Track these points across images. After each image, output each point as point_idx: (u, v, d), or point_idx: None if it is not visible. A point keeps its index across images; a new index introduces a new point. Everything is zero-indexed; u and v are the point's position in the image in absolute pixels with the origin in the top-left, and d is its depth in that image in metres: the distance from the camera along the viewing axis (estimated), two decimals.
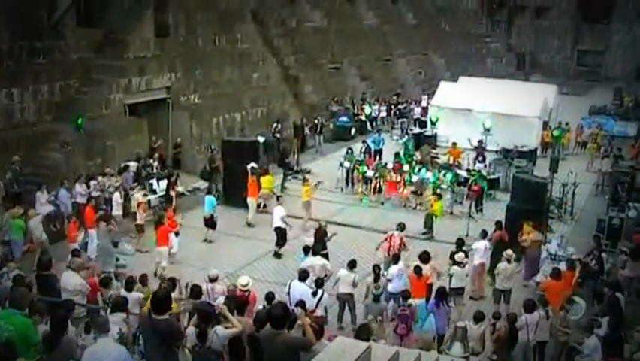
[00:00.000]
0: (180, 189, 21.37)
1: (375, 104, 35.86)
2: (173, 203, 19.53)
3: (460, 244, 15.90)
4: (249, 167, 20.47)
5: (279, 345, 7.40)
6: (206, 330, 8.39)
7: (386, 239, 16.14)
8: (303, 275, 13.30)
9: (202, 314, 8.56)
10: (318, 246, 16.00)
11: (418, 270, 13.85)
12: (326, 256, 15.82)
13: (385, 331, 12.87)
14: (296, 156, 26.82)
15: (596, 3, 58.38)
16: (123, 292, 12.14)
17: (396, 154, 25.27)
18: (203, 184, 23.02)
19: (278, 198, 18.88)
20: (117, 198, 18.51)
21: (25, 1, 20.71)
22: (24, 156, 19.30)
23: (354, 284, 14.04)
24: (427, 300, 13.35)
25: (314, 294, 12.75)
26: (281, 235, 17.83)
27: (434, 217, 19.93)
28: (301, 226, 19.57)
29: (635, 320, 12.68)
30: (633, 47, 56.49)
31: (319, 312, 12.42)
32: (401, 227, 16.38)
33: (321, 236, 16.45)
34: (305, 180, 20.93)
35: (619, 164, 25.73)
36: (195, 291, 11.56)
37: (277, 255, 17.72)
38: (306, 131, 29.71)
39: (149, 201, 19.69)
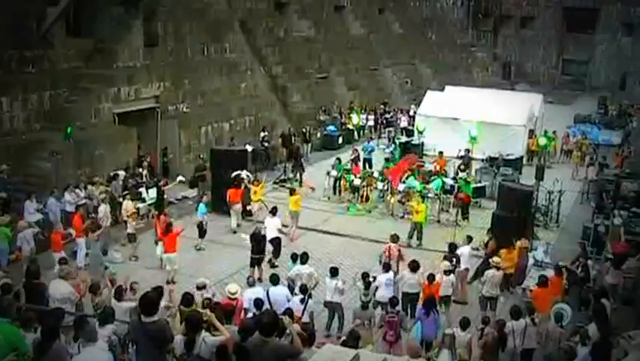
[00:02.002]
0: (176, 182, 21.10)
1: (363, 113, 36.04)
2: (165, 211, 19.52)
3: (453, 248, 16.06)
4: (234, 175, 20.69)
5: (266, 353, 7.44)
6: (194, 338, 8.44)
7: (385, 251, 16.31)
8: (275, 279, 13.53)
9: (190, 322, 8.63)
10: (257, 248, 16.62)
11: (431, 278, 14.03)
12: (260, 261, 16.50)
13: (372, 337, 12.97)
14: (284, 165, 26.91)
15: (580, 13, 58.96)
16: (113, 301, 12.19)
17: (387, 160, 25.45)
18: (191, 193, 23.08)
19: (273, 209, 18.78)
20: (103, 210, 18.48)
21: (14, 11, 20.72)
22: (13, 165, 19.29)
23: (341, 292, 14.14)
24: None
25: (302, 301, 12.89)
26: (277, 245, 17.87)
27: (419, 225, 20.00)
28: (288, 234, 19.71)
29: (622, 327, 12.86)
30: (617, 56, 57.07)
31: (305, 318, 12.55)
32: (394, 239, 16.49)
33: (257, 239, 16.84)
34: (293, 190, 20.87)
35: (604, 172, 26.03)
36: (187, 299, 11.62)
37: (273, 265, 17.74)
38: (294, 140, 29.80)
39: (138, 209, 19.69)
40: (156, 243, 17.36)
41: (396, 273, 15.40)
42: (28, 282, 12.36)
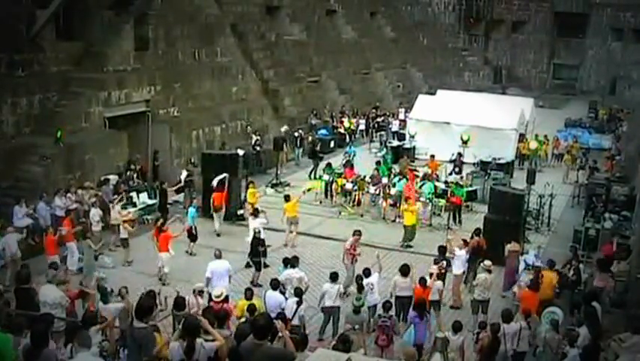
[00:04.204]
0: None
1: (354, 117, 36.09)
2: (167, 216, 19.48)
3: (442, 251, 16.05)
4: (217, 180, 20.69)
5: (259, 356, 7.41)
6: (193, 343, 8.37)
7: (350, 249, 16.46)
8: (275, 283, 13.54)
9: (189, 327, 8.56)
10: (252, 253, 16.81)
11: (423, 282, 14.02)
12: (258, 264, 16.62)
13: (366, 341, 12.94)
14: (276, 169, 26.86)
15: (571, 18, 59.34)
16: (101, 304, 12.15)
17: (378, 163, 25.44)
18: (181, 197, 23.00)
19: (255, 211, 18.79)
20: (94, 214, 18.37)
21: (3, 14, 20.60)
22: (2, 169, 19.18)
23: (341, 295, 14.12)
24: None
25: (298, 304, 12.96)
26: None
27: (408, 227, 20.07)
28: (288, 241, 19.64)
29: (613, 330, 12.90)
30: (607, 61, 57.45)
31: (295, 322, 12.53)
32: (356, 233, 16.64)
33: (255, 243, 16.87)
34: (287, 196, 20.49)
35: (594, 176, 26.14)
36: (179, 303, 11.57)
37: (265, 265, 17.67)
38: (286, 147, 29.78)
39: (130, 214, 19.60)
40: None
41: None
42: (18, 287, 12.29)
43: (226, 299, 12.40)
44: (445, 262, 15.69)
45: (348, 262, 16.26)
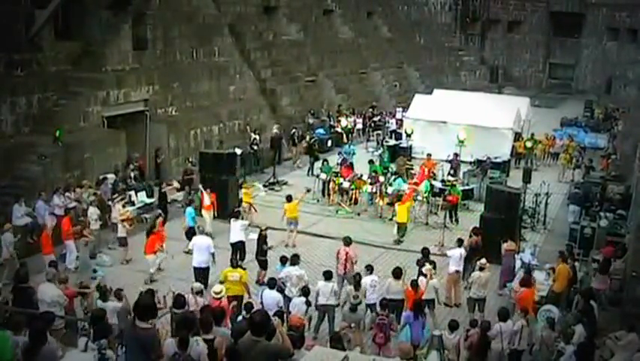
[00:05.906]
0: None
1: (351, 116, 36.18)
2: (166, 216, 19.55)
3: (426, 253, 16.06)
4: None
5: (257, 353, 7.49)
6: (187, 338, 8.47)
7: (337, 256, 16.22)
8: (272, 283, 13.61)
9: (185, 322, 8.65)
10: (259, 252, 16.84)
11: (414, 284, 14.04)
12: (264, 263, 16.64)
13: (363, 339, 13.05)
14: (273, 168, 26.95)
15: (566, 17, 59.46)
16: (99, 302, 12.23)
17: (370, 161, 25.52)
18: (179, 196, 23.08)
19: (236, 213, 18.71)
20: (92, 213, 18.43)
21: (2, 14, 20.66)
22: (1, 169, 19.24)
23: (335, 293, 14.19)
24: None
25: (307, 303, 13.11)
26: (240, 249, 17.58)
27: (400, 223, 20.24)
28: (289, 240, 19.67)
29: (608, 328, 13.02)
30: (603, 60, 57.55)
31: (305, 320, 12.68)
32: (347, 241, 16.24)
33: (261, 242, 16.89)
34: (289, 197, 20.34)
35: (590, 174, 26.24)
36: (179, 302, 11.65)
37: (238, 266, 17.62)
38: (283, 143, 29.88)
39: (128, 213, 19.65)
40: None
41: (345, 274, 15.63)
42: (16, 286, 12.37)
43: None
44: (430, 266, 15.54)
45: (342, 272, 15.99)
